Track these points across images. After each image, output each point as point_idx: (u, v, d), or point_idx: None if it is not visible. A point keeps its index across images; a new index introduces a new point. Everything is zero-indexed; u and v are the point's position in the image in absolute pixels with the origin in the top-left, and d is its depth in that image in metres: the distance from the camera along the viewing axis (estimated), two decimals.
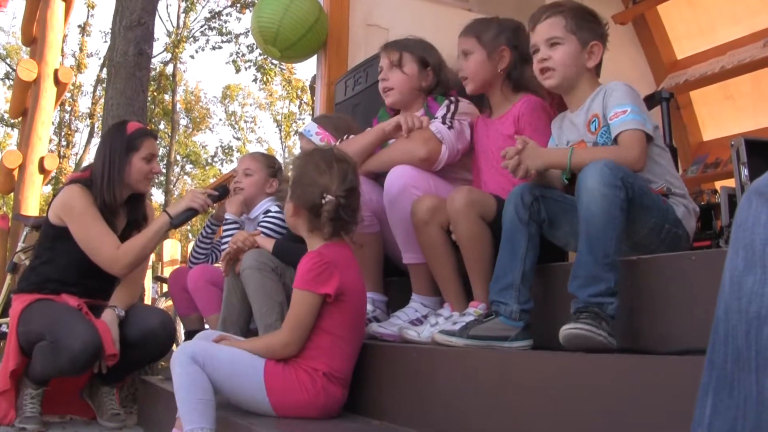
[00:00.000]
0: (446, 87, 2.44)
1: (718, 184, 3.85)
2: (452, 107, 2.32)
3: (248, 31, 17.97)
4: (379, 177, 2.34)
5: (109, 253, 2.61)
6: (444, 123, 2.26)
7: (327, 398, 1.89)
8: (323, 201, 1.92)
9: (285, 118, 22.07)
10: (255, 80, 20.06)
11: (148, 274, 6.17)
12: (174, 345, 3.00)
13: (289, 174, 2.05)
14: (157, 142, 2.95)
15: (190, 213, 2.72)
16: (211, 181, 20.18)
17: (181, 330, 3.73)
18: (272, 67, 19.20)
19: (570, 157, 1.73)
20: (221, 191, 2.85)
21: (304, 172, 1.98)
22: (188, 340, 2.05)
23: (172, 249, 7.68)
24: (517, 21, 2.29)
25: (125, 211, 2.81)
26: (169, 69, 19.61)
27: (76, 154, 18.74)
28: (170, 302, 4.67)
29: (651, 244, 1.71)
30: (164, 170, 20.42)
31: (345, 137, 2.51)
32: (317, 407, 1.88)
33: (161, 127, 20.05)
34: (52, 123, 10.13)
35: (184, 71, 22.03)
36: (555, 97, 2.15)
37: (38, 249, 2.85)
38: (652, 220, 1.69)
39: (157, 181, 15.12)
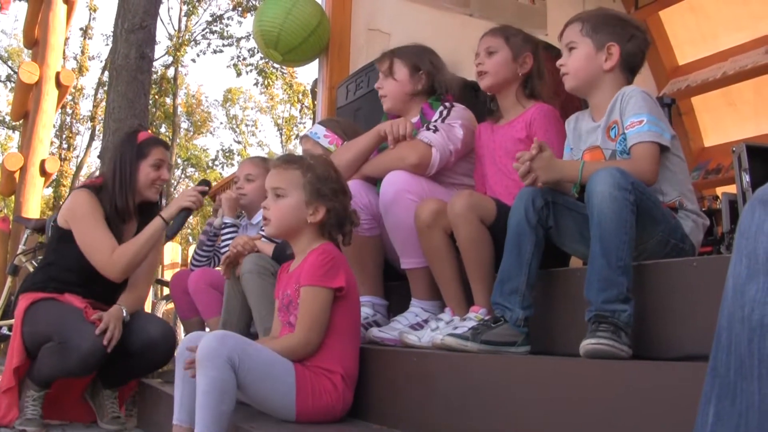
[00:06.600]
0: (444, 90, 2.44)
1: (720, 191, 3.86)
2: (444, 112, 2.33)
3: (250, 35, 18.00)
4: (376, 180, 2.34)
5: (104, 257, 2.63)
6: (429, 129, 2.27)
7: (344, 403, 1.87)
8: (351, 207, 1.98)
9: (286, 121, 22.08)
10: (256, 84, 20.11)
11: None
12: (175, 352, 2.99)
13: (306, 174, 1.96)
14: (169, 151, 2.94)
15: (185, 213, 2.70)
16: (212, 184, 20.16)
17: (181, 333, 3.73)
18: (273, 70, 19.21)
19: (581, 170, 1.71)
20: (207, 184, 2.82)
21: (329, 175, 1.96)
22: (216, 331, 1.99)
23: (173, 252, 7.67)
24: (541, 40, 2.35)
25: (137, 219, 2.82)
26: (171, 72, 19.62)
27: (77, 156, 18.75)
28: (170, 305, 4.67)
29: (655, 257, 1.69)
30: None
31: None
32: (336, 412, 1.86)
33: (162, 130, 20.05)
34: (54, 126, 10.14)
35: (185, 74, 22.00)
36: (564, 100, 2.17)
37: (45, 251, 2.89)
38: (659, 233, 1.68)
39: None
